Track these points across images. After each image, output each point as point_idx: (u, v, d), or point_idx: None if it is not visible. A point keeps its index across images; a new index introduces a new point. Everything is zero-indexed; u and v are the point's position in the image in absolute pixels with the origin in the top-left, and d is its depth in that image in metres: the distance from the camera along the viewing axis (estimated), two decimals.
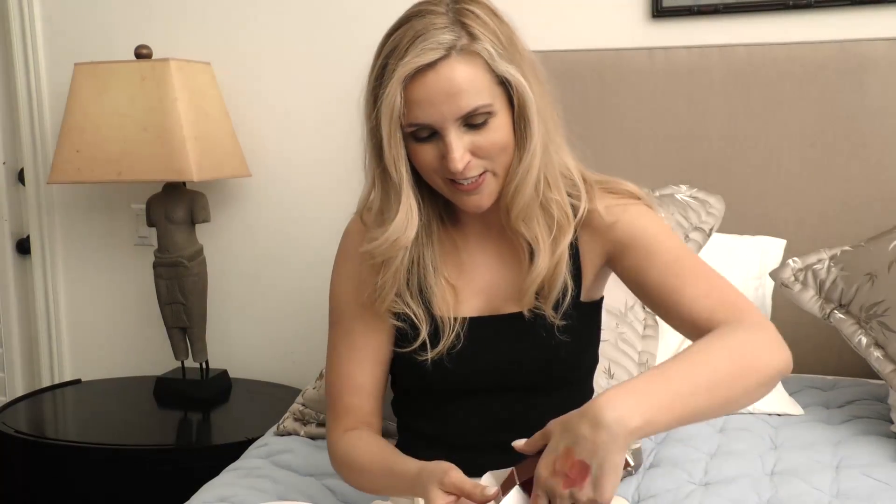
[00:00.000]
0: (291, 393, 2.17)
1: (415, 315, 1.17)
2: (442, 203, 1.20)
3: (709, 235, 1.84)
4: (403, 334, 1.18)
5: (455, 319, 1.16)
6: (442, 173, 1.10)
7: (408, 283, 1.17)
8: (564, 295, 1.15)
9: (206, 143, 2.11)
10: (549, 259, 1.14)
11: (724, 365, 0.94)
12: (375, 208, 1.15)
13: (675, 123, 2.06)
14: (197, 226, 2.27)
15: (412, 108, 1.06)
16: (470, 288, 1.20)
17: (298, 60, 2.31)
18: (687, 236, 1.81)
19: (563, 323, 1.15)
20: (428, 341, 1.16)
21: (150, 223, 2.23)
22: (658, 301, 1.09)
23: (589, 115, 2.05)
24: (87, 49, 2.35)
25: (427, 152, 1.10)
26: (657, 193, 1.89)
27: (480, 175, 1.10)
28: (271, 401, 2.20)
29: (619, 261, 1.15)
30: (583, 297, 1.18)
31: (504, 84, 1.08)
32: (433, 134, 1.08)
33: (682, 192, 1.88)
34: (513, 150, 1.11)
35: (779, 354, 0.98)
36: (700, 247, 1.83)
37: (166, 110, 2.06)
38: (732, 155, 2.03)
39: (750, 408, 1.74)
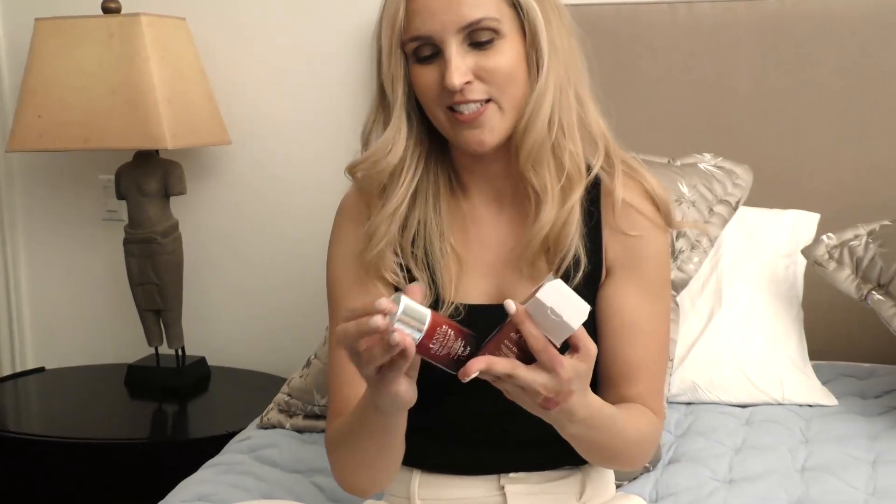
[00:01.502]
0: (276, 382, 2.17)
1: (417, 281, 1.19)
2: (450, 167, 1.23)
3: (735, 209, 1.84)
4: None
5: (462, 307, 1.18)
6: (442, 101, 1.12)
7: (413, 249, 1.19)
8: (577, 268, 1.16)
9: (181, 107, 2.11)
10: (557, 212, 1.15)
11: (635, 442, 1.15)
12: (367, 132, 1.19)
13: (698, 85, 2.06)
14: (171, 198, 2.26)
15: (412, 20, 1.10)
16: (477, 267, 1.22)
17: (283, 15, 2.31)
18: (711, 210, 1.82)
19: None
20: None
21: (120, 196, 2.23)
22: (608, 345, 1.18)
23: (603, 75, 1.98)
24: (49, 3, 2.34)
25: (428, 74, 1.12)
26: (678, 163, 1.89)
27: (483, 105, 1.12)
28: (254, 390, 2.21)
29: (610, 277, 1.20)
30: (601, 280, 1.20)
31: (517, 8, 1.12)
32: (436, 54, 1.11)
33: (706, 161, 1.88)
34: (523, 85, 1.13)
35: (653, 452, 1.22)
36: (725, 221, 1.84)
37: (137, 71, 2.06)
38: (761, 120, 2.04)
39: (779, 397, 1.75)
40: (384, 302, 0.91)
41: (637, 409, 1.16)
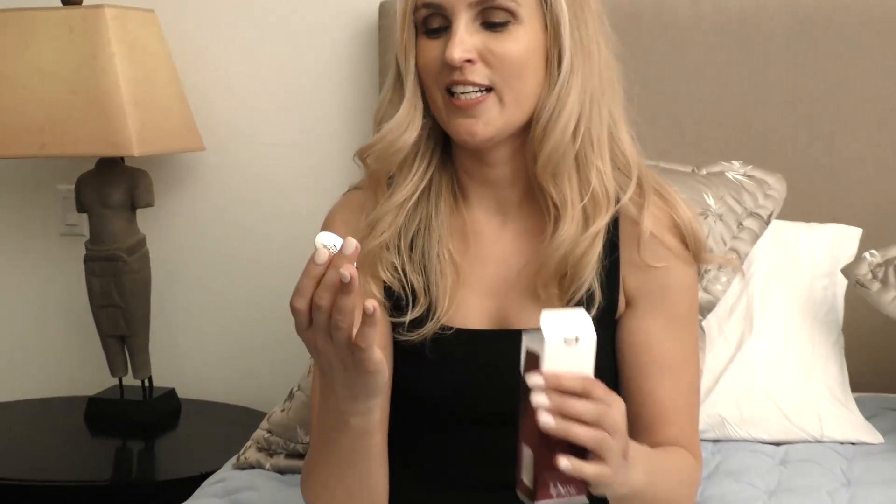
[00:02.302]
0: (254, 417, 2.17)
1: (412, 285, 1.21)
2: (452, 169, 1.26)
3: (767, 223, 1.85)
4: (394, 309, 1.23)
5: (462, 332, 1.20)
6: (441, 80, 1.15)
7: (411, 251, 1.22)
8: (590, 303, 1.18)
9: (149, 109, 2.12)
10: (577, 232, 1.17)
11: (678, 492, 1.18)
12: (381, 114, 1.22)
13: (726, 85, 2.06)
14: (138, 211, 2.26)
15: None
16: (476, 285, 1.23)
17: (265, 7, 2.33)
18: (741, 224, 1.83)
19: None
20: (417, 318, 1.21)
21: (81, 208, 2.23)
22: (636, 385, 1.22)
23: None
24: None
25: (433, 48, 1.16)
26: (703, 171, 1.90)
27: (483, 94, 1.14)
28: (230, 426, 2.21)
29: (631, 309, 1.23)
30: (617, 314, 1.23)
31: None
32: (446, 28, 1.15)
33: (735, 170, 1.89)
34: (533, 82, 1.16)
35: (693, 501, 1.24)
36: (756, 237, 1.84)
37: (100, 69, 2.06)
38: (796, 124, 2.04)
39: (817, 434, 1.75)
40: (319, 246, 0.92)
41: (677, 453, 1.19)
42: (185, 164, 2.42)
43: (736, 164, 1.90)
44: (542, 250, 1.19)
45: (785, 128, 2.04)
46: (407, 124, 1.19)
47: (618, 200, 1.20)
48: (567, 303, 1.18)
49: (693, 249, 1.22)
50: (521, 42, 1.14)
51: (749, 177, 1.88)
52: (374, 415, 1.06)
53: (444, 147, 1.25)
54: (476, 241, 1.25)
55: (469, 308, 1.22)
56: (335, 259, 0.91)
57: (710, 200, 1.81)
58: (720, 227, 1.79)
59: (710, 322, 1.81)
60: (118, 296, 2.22)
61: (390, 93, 1.21)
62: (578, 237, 1.17)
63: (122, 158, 2.22)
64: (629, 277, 1.22)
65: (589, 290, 1.18)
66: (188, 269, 2.46)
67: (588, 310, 1.16)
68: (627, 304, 1.22)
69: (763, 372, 1.80)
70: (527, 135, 1.19)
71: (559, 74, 1.15)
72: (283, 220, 2.35)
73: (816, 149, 2.03)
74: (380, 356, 0.97)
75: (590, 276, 1.18)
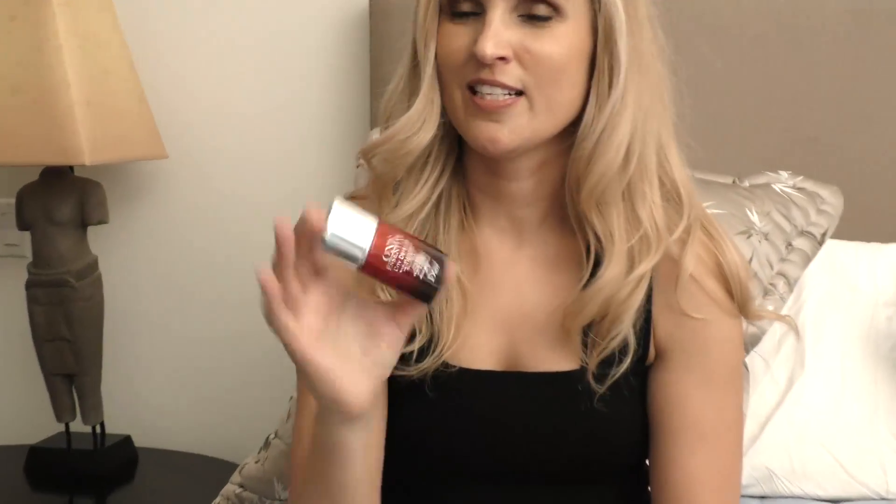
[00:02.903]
0: (224, 469, 2.15)
1: None
2: (462, 182, 1.25)
3: (821, 243, 1.84)
4: None
5: (466, 372, 1.21)
6: (465, 74, 1.14)
7: None
8: (624, 352, 1.18)
9: (103, 110, 2.11)
10: (623, 275, 1.17)
11: None
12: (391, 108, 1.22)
13: (772, 83, 2.05)
14: (90, 229, 2.25)
15: None
16: (485, 317, 1.23)
17: None
18: (790, 244, 1.82)
19: (609, 392, 1.19)
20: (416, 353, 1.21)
21: (23, 225, 2.22)
22: (665, 452, 1.21)
23: None
24: None
25: (458, 35, 1.14)
26: (746, 183, 1.89)
27: (511, 96, 1.13)
28: (195, 479, 2.19)
29: (662, 362, 1.23)
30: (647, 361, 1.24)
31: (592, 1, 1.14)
32: (476, 14, 1.13)
33: (783, 182, 1.88)
34: (570, 90, 1.15)
35: None
36: (808, 259, 1.83)
37: (46, 64, 2.05)
38: (853, 129, 2.03)
39: (881, 490, 1.75)
40: (311, 208, 0.92)
41: None
42: (144, 174, 2.42)
43: (784, 174, 1.90)
44: (581, 292, 1.18)
45: (841, 133, 2.04)
46: (422, 122, 1.17)
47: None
48: (600, 352, 1.18)
49: (739, 300, 1.21)
50: (563, 42, 1.12)
51: (799, 189, 1.87)
52: (357, 438, 1.04)
53: (457, 154, 1.24)
54: (488, 266, 1.25)
55: (475, 344, 1.22)
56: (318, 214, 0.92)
57: (754, 217, 1.80)
58: (766, 248, 1.79)
59: (754, 358, 1.79)
60: (66, 328, 2.20)
61: (403, 83, 1.20)
62: (623, 279, 1.16)
63: (70, 168, 2.22)
64: (662, 322, 1.21)
65: (624, 337, 1.18)
66: (148, 297, 2.45)
67: (622, 359, 1.18)
68: (658, 353, 1.22)
69: (817, 416, 1.79)
70: (552, 148, 1.19)
71: (611, 89, 1.14)
72: (259, 241, 2.26)
73: (877, 158, 2.03)
74: (332, 360, 0.95)
75: (633, 319, 1.18)
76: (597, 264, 1.18)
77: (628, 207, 1.18)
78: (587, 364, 1.18)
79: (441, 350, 1.19)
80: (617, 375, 1.17)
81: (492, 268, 1.24)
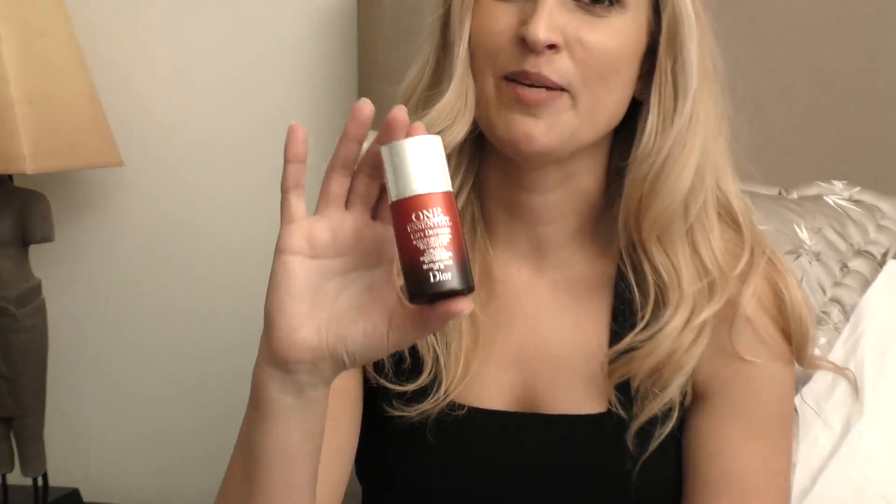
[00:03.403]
0: None
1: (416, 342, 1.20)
2: (477, 201, 1.26)
3: (881, 264, 1.80)
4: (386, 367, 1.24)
5: (473, 410, 1.21)
6: (504, 61, 1.13)
7: None
8: (669, 408, 1.20)
9: (48, 110, 2.10)
10: (683, 324, 1.17)
11: None
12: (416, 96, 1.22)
13: (824, 79, 2.02)
14: (31, 248, 2.23)
15: None
16: (497, 352, 1.24)
17: None
18: (845, 266, 1.79)
19: (647, 448, 1.20)
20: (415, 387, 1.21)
21: None
22: (695, 502, 1.22)
23: None
24: None
25: (501, 15, 1.14)
26: (794, 194, 1.87)
27: (556, 91, 1.12)
28: None
29: (702, 405, 1.24)
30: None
31: None
32: None
33: (837, 193, 1.86)
34: (617, 91, 1.16)
35: None
36: (866, 283, 1.79)
37: None
38: None
39: None
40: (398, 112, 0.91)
41: None
42: (95, 184, 2.39)
43: (838, 184, 1.87)
44: (641, 339, 1.18)
45: None
46: (454, 115, 1.16)
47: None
48: (651, 408, 1.19)
49: (796, 345, 1.22)
50: (621, 37, 1.14)
51: (856, 202, 1.84)
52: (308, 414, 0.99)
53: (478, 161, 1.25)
54: (501, 290, 1.25)
55: (487, 381, 1.23)
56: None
57: (804, 234, 1.77)
58: (817, 270, 1.76)
59: (805, 399, 1.71)
60: (3, 363, 2.17)
61: (429, 69, 1.21)
62: (684, 326, 1.18)
63: (9, 177, 2.20)
64: (706, 361, 1.21)
65: (681, 387, 1.21)
66: (99, 328, 2.42)
67: (669, 413, 1.20)
68: (697, 395, 1.23)
69: (879, 466, 1.71)
70: (584, 159, 1.20)
71: (678, 99, 1.16)
72: (228, 259, 2.33)
73: None
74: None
75: (688, 374, 1.20)
76: (642, 297, 1.19)
77: (692, 249, 1.19)
78: (617, 407, 1.19)
79: (447, 388, 1.19)
80: (663, 436, 1.18)
81: (507, 293, 1.25)
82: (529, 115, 1.13)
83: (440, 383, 1.19)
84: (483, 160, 1.24)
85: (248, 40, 2.31)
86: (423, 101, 1.19)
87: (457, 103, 1.16)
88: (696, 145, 1.16)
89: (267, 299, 0.93)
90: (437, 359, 1.21)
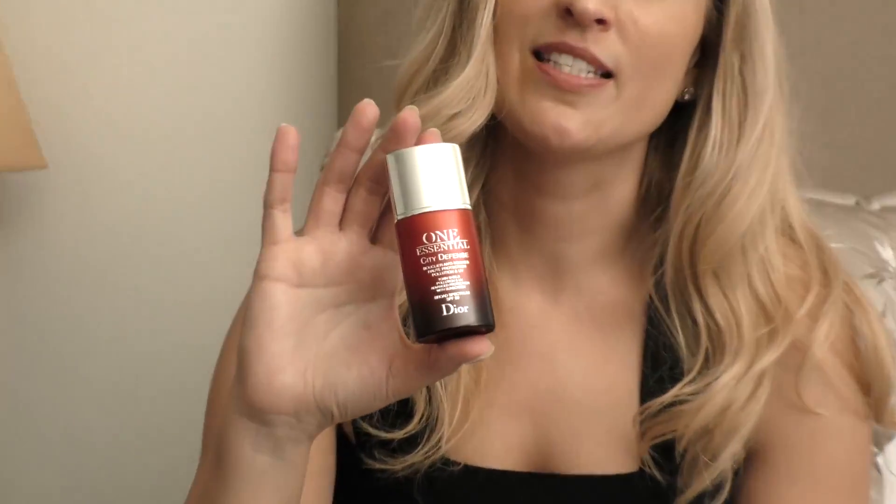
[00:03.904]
0: None
1: None
2: (482, 209, 1.22)
3: None
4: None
5: (475, 472, 1.18)
6: (536, 34, 1.10)
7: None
8: (721, 480, 1.18)
9: None
10: (741, 375, 1.13)
11: None
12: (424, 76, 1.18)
13: None
14: None
15: None
16: (504, 397, 1.20)
17: None
18: None
19: None
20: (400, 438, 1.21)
21: None
22: None
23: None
24: None
25: None
26: (875, 205, 1.83)
27: (597, 76, 1.09)
28: None
29: (755, 463, 1.22)
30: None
31: None
32: None
33: None
34: (668, 82, 1.13)
35: None
36: None
37: None
38: None
39: None
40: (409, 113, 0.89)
41: None
42: (15, 188, 2.31)
43: None
44: (692, 394, 1.15)
45: None
46: (474, 96, 1.11)
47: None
48: (703, 477, 1.15)
49: (875, 397, 1.19)
50: (679, 21, 1.11)
51: None
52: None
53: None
54: (510, 320, 1.20)
55: (489, 433, 1.19)
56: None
57: (887, 252, 1.74)
58: None
59: (887, 457, 1.67)
60: None
61: (443, 40, 1.15)
62: (741, 377, 1.16)
63: None
64: (763, 413, 1.18)
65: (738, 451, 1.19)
66: (16, 356, 2.34)
67: (721, 485, 1.18)
68: (750, 452, 1.20)
69: None
70: (618, 163, 1.17)
71: (749, 105, 1.13)
72: (170, 281, 2.23)
73: None
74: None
75: (746, 434, 1.17)
76: (691, 343, 1.16)
77: (750, 287, 1.16)
78: (652, 468, 1.15)
79: (440, 440, 1.15)
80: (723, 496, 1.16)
81: (517, 324, 1.21)
82: (564, 104, 1.09)
83: (432, 431, 1.17)
84: (495, 156, 1.21)
85: (201, 16, 2.24)
86: (433, 80, 1.14)
87: (477, 81, 1.11)
88: (770, 165, 1.15)
89: (242, 335, 0.90)
90: (429, 401, 1.17)
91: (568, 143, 1.10)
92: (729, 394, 1.14)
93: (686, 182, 1.17)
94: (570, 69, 1.09)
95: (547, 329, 1.23)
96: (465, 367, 1.15)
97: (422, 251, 0.86)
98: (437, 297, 0.86)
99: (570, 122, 1.09)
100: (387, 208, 0.89)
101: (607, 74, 1.11)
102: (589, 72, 1.09)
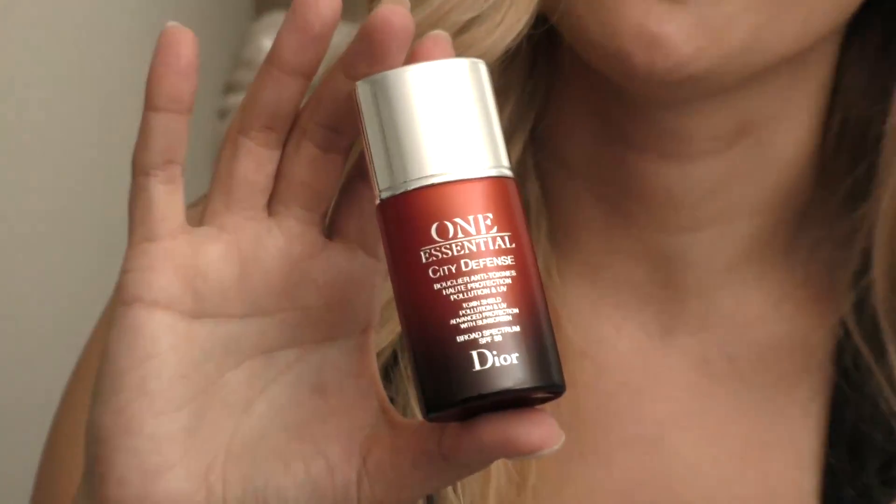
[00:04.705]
0: None
1: None
2: (536, 179, 0.85)
3: None
4: None
5: None
6: None
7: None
8: None
9: None
10: None
11: None
12: None
13: None
14: None
15: None
16: (583, 497, 0.83)
17: None
18: None
19: None
20: None
21: None
22: None
23: None
24: None
25: None
26: None
27: None
28: None
29: None
30: None
31: None
32: None
33: None
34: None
35: None
36: None
37: None
38: None
39: None
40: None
41: None
42: None
43: None
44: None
45: None
46: (505, 4, 0.73)
47: None
48: None
49: None
50: None
51: None
52: None
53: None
54: (588, 374, 0.83)
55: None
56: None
57: None
58: None
59: None
60: None
61: None
62: None
63: None
64: None
65: None
66: None
67: None
68: None
69: None
70: (771, 101, 0.79)
71: None
72: (23, 299, 1.95)
73: None
74: None
75: None
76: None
77: None
78: None
79: None
80: None
81: (598, 382, 0.83)
82: (670, 1, 0.72)
83: None
84: (550, 87, 0.84)
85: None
86: None
87: None
88: None
89: (96, 403, 0.56)
90: None
91: (669, 62, 0.73)
92: None
93: None
94: None
95: (650, 387, 0.85)
96: (499, 464, 0.78)
97: (430, 255, 0.55)
98: (460, 339, 0.54)
99: (669, 24, 0.72)
100: (354, 177, 0.58)
101: None
102: None
